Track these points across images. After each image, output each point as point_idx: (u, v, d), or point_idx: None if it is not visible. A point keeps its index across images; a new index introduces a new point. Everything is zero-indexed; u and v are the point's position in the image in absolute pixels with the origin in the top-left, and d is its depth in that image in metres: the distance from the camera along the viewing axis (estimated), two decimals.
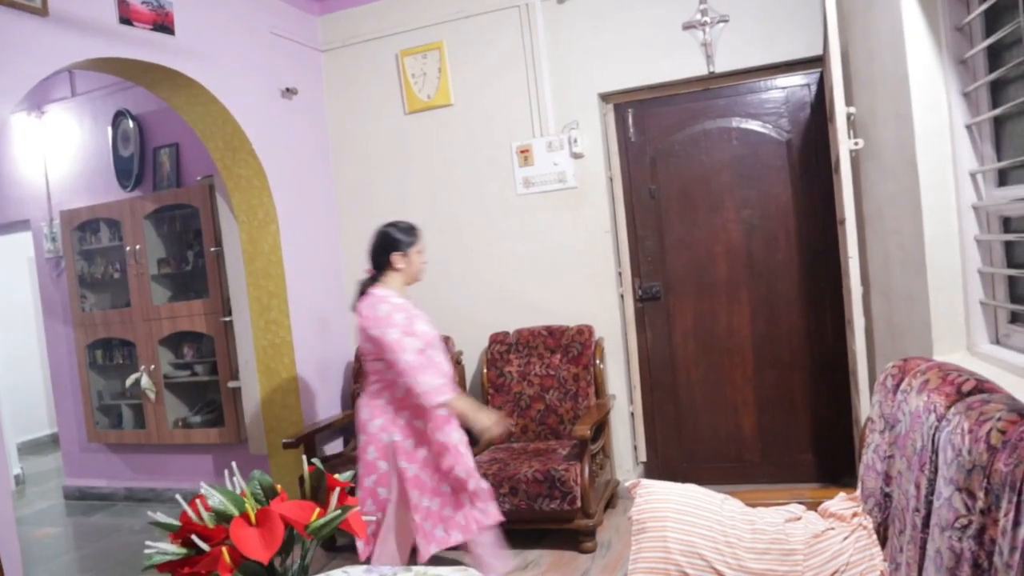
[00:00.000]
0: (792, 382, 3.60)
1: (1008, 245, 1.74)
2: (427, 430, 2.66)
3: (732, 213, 3.64)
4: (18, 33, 2.58)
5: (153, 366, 4.50)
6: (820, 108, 3.48)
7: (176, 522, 1.30)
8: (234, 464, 1.43)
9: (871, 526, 1.66)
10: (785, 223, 3.57)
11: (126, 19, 2.97)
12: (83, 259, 4.84)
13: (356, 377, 4.02)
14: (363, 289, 2.71)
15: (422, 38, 4.03)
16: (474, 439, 2.76)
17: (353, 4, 4.18)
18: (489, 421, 2.65)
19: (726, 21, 3.48)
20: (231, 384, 4.26)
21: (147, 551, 1.28)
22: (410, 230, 2.75)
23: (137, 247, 4.50)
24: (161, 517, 1.30)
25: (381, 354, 2.61)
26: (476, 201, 3.99)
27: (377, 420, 2.67)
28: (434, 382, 2.56)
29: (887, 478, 1.62)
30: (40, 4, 2.62)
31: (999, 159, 1.74)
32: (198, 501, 1.31)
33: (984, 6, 1.64)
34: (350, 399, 4.07)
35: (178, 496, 1.38)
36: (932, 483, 1.29)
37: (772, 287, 3.60)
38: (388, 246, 2.70)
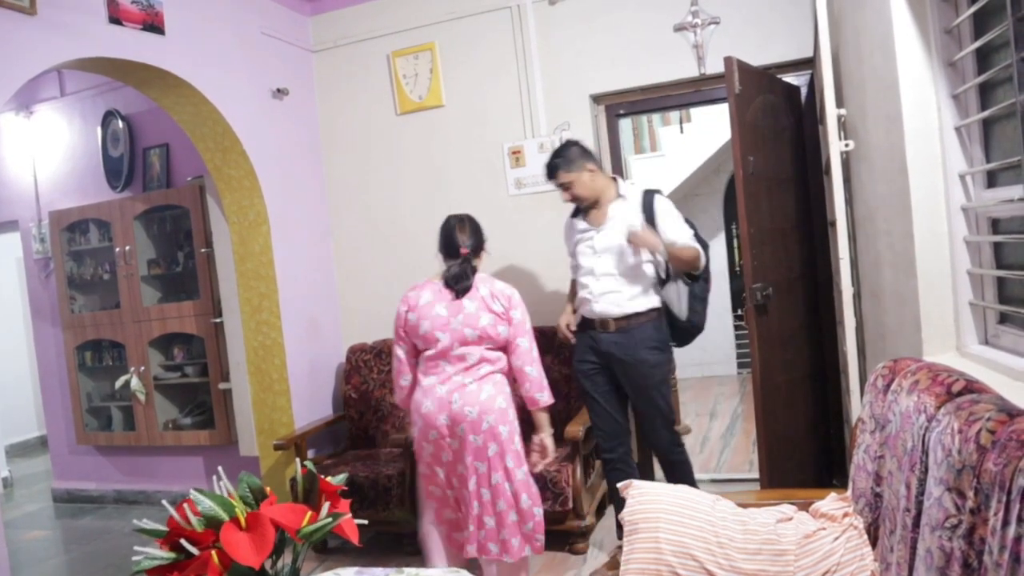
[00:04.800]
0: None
1: (997, 246, 1.75)
2: None
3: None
4: (6, 32, 2.56)
5: (143, 367, 4.47)
6: (811, 109, 3.50)
7: (162, 527, 1.29)
8: (220, 469, 1.42)
9: (862, 526, 1.67)
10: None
11: (116, 19, 2.95)
12: (72, 260, 4.81)
13: (347, 378, 4.01)
14: (468, 272, 2.64)
15: (414, 39, 4.02)
16: None
17: (344, 5, 4.17)
18: (552, 447, 2.78)
19: (717, 23, 3.49)
20: (222, 386, 4.24)
21: (135, 558, 1.26)
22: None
23: (127, 248, 4.47)
24: (147, 524, 1.29)
25: (513, 338, 2.61)
26: (468, 202, 3.97)
27: (501, 399, 2.61)
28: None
29: (878, 478, 1.62)
30: (28, 3, 2.60)
31: (988, 161, 1.74)
32: (186, 505, 1.30)
33: (973, 8, 1.65)
34: (341, 401, 4.06)
35: (164, 502, 1.37)
36: (922, 483, 1.30)
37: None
38: (482, 234, 2.75)
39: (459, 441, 2.54)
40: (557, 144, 3.73)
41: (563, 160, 2.88)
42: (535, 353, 2.63)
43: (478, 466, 2.55)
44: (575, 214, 3.04)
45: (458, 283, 2.59)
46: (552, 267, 3.82)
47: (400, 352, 2.66)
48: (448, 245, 2.69)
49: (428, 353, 2.60)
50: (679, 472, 2.98)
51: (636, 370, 2.85)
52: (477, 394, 2.54)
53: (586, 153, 2.93)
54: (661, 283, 2.92)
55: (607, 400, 2.96)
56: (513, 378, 2.67)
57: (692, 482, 2.94)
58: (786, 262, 3.28)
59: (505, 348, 2.63)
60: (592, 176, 2.89)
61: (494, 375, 2.60)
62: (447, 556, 2.70)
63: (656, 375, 2.87)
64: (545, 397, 2.63)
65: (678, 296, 2.88)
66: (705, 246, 2.90)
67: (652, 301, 2.88)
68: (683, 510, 1.77)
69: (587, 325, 2.96)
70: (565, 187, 2.91)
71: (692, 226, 2.93)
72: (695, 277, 2.92)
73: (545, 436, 2.67)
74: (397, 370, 2.68)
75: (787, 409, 3.19)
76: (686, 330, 2.95)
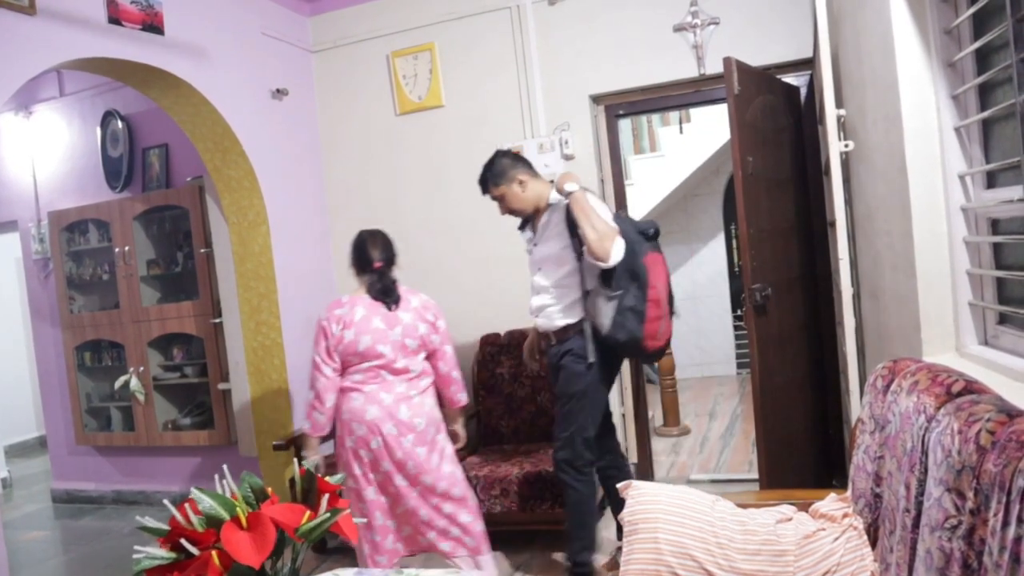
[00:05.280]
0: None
1: (996, 247, 1.75)
2: None
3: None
4: (5, 32, 2.56)
5: (142, 368, 4.47)
6: (810, 110, 3.50)
7: (164, 526, 1.29)
8: (225, 467, 1.42)
9: (861, 527, 1.67)
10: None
11: (115, 19, 2.95)
12: (71, 260, 4.80)
13: None
14: (393, 284, 2.70)
15: (413, 39, 4.02)
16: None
17: (344, 5, 4.17)
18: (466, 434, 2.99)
19: (716, 23, 3.49)
20: (221, 386, 4.24)
21: (136, 556, 1.26)
22: None
23: (126, 248, 4.47)
24: (149, 521, 1.29)
25: (440, 346, 2.75)
26: (467, 202, 3.97)
27: (438, 410, 2.75)
28: None
29: (877, 479, 1.62)
30: (28, 3, 2.59)
31: (987, 161, 1.75)
32: (187, 505, 1.30)
33: (973, 9, 1.65)
34: None
35: (166, 501, 1.37)
36: (922, 484, 1.30)
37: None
38: (393, 247, 2.78)
39: (403, 451, 2.60)
40: (557, 144, 3.76)
41: (491, 174, 2.78)
42: (456, 359, 2.83)
43: (424, 479, 2.64)
44: (522, 226, 2.92)
45: (389, 296, 2.65)
46: None
47: (329, 371, 2.60)
48: (360, 260, 2.71)
49: (364, 365, 2.61)
50: (564, 496, 2.80)
51: (561, 376, 2.77)
52: (422, 406, 2.66)
53: (517, 163, 2.80)
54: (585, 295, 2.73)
55: None
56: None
57: (572, 517, 2.77)
58: (785, 262, 3.28)
59: (430, 356, 2.76)
60: (524, 186, 2.76)
61: (431, 387, 2.75)
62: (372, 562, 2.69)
63: (574, 384, 2.71)
64: (465, 398, 2.87)
65: (595, 308, 2.68)
66: (633, 253, 2.58)
67: (578, 309, 2.77)
68: (682, 510, 1.77)
69: (545, 339, 2.89)
70: (498, 201, 2.83)
71: (641, 233, 2.66)
72: (610, 282, 2.60)
73: (459, 426, 2.91)
74: (325, 388, 2.60)
75: (786, 410, 3.19)
76: (621, 345, 2.63)
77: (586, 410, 2.72)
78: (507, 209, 2.84)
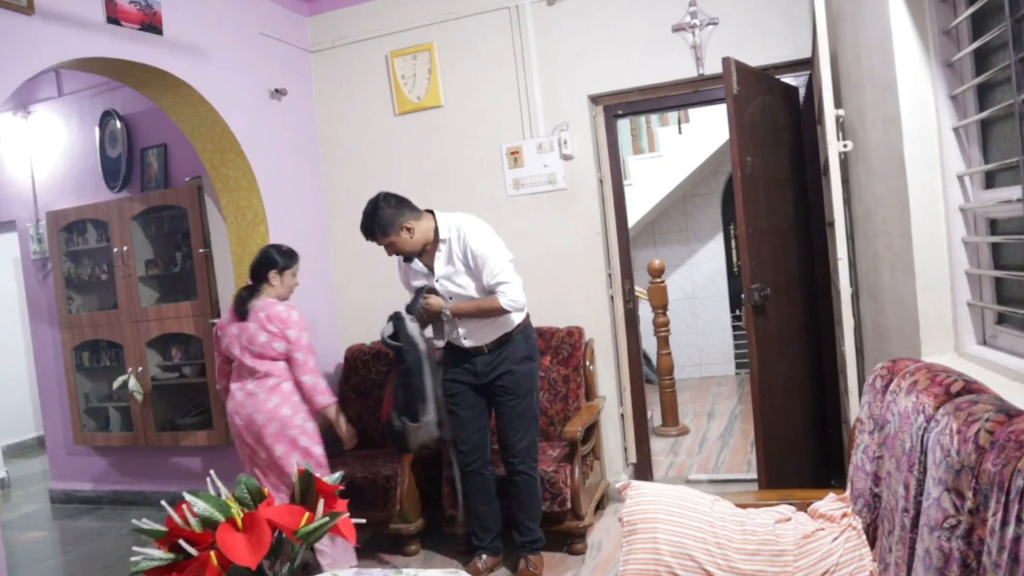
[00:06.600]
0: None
1: (995, 247, 1.75)
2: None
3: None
4: (3, 32, 2.55)
5: (141, 368, 4.47)
6: (809, 110, 3.50)
7: (161, 527, 1.29)
8: (213, 472, 1.42)
9: (860, 527, 1.67)
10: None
11: (113, 19, 2.94)
12: (70, 260, 4.80)
13: (346, 379, 4.00)
14: (246, 298, 2.98)
15: (412, 39, 4.02)
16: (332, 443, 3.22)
17: (343, 5, 4.17)
18: (348, 434, 3.14)
19: (715, 23, 3.49)
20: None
21: (134, 559, 1.26)
22: (290, 254, 3.05)
23: (124, 248, 4.46)
24: (146, 523, 1.29)
25: (290, 354, 2.94)
26: (466, 203, 3.97)
27: (286, 408, 2.93)
28: (325, 385, 3.02)
29: (876, 479, 1.62)
30: (26, 2, 2.59)
31: (986, 162, 1.75)
32: (184, 506, 1.30)
33: (971, 9, 1.65)
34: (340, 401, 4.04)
35: (163, 502, 1.37)
36: (921, 484, 1.30)
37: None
38: (268, 264, 3.00)
39: (253, 438, 2.95)
40: (556, 144, 3.76)
41: (379, 226, 2.81)
42: (310, 364, 2.99)
43: (272, 465, 2.97)
44: (407, 259, 2.96)
45: (238, 308, 3.00)
46: (550, 267, 3.83)
47: (218, 361, 3.11)
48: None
49: (234, 365, 3.03)
50: (523, 487, 3.00)
51: (508, 381, 2.93)
52: (265, 403, 2.92)
53: (401, 209, 2.83)
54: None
55: (475, 414, 3.04)
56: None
57: (532, 501, 3.03)
58: (784, 263, 3.28)
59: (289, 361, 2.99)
60: (411, 232, 2.83)
61: (281, 385, 2.95)
62: None
63: (525, 385, 2.97)
64: (320, 400, 3.00)
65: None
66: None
67: (516, 316, 2.94)
68: (682, 510, 1.77)
69: (459, 351, 2.98)
70: (385, 247, 2.88)
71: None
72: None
73: (337, 429, 3.11)
74: (218, 372, 3.15)
75: (785, 409, 3.19)
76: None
77: (536, 403, 3.02)
78: (396, 252, 2.91)
